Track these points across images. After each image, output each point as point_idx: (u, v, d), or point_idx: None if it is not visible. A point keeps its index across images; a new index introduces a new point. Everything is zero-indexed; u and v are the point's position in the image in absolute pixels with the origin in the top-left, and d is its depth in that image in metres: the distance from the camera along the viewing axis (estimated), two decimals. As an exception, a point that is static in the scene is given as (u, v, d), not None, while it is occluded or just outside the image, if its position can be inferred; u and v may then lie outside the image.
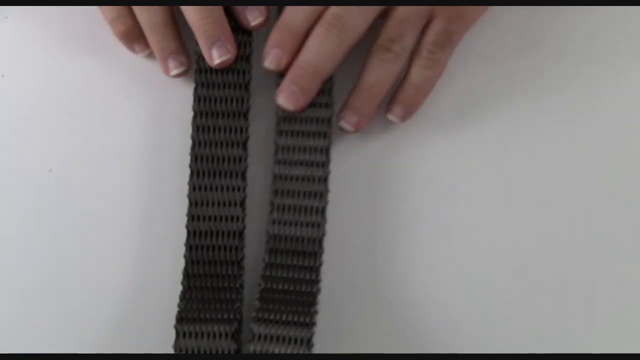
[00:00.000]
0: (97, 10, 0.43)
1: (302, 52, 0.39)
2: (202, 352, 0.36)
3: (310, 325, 0.36)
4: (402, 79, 0.41)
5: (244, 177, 0.39)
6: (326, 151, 0.39)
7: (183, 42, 0.42)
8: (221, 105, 0.40)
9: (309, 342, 0.36)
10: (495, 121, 0.43)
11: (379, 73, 0.40)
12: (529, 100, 0.43)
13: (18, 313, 0.40)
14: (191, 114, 0.40)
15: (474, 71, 0.44)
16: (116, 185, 0.42)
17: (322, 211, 0.39)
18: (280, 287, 0.38)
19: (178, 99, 0.43)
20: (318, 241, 0.39)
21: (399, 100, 0.41)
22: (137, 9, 0.41)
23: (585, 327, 0.40)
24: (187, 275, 0.38)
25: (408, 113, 0.41)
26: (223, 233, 0.39)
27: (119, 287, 0.40)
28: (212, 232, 0.39)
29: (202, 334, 0.36)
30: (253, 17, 0.40)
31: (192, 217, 0.39)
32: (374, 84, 0.40)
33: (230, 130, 0.40)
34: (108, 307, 0.40)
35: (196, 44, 0.40)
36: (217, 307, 0.37)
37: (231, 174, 0.39)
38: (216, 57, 0.40)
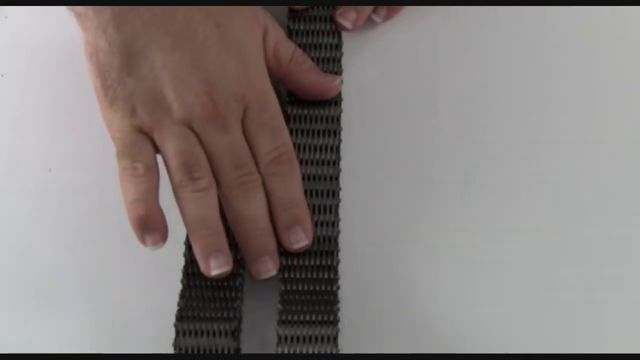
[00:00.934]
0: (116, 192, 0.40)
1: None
2: (201, 350, 0.36)
3: (334, 322, 0.36)
4: None
5: None
6: (337, 149, 0.40)
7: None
8: None
9: (335, 340, 0.36)
10: (497, 121, 0.43)
11: None
12: (529, 99, 0.43)
13: (18, 313, 0.40)
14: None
15: (475, 71, 0.44)
16: (116, 184, 0.41)
17: (335, 209, 0.39)
18: (300, 288, 0.38)
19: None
20: (334, 239, 0.39)
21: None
22: (187, 199, 0.37)
23: (585, 327, 0.40)
24: (187, 273, 0.38)
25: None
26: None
27: (119, 286, 0.40)
28: None
29: (202, 332, 0.36)
30: (296, 239, 0.38)
31: None
32: None
33: None
34: (108, 306, 0.40)
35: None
36: (216, 306, 0.37)
37: None
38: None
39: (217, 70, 0.37)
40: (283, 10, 0.43)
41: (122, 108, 0.37)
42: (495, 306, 0.40)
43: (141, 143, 0.37)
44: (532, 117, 0.43)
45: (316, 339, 0.36)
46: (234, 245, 0.38)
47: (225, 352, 0.36)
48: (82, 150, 0.43)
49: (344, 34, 0.42)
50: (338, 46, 0.42)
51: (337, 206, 0.39)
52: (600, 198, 0.42)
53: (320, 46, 0.41)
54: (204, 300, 0.38)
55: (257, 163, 0.37)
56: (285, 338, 0.36)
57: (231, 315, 0.37)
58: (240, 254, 0.39)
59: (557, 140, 0.43)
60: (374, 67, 0.44)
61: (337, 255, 0.39)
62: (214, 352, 0.36)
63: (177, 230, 0.39)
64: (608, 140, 0.43)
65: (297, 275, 0.38)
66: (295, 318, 0.37)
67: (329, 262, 0.38)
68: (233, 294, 0.38)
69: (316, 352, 0.36)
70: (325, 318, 0.37)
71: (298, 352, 0.36)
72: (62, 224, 0.41)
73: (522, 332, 0.40)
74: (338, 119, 0.40)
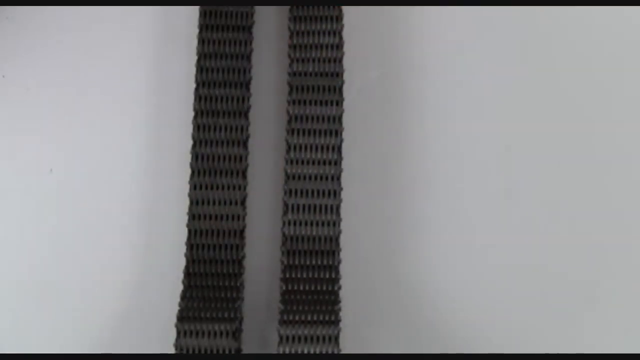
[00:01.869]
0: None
1: None
2: (202, 350, 0.36)
3: (336, 322, 0.36)
4: None
5: (244, 176, 0.39)
6: (338, 149, 0.40)
7: None
8: (222, 104, 0.40)
9: (336, 340, 0.36)
10: (500, 120, 0.43)
11: None
12: (532, 99, 0.43)
13: (18, 313, 0.40)
14: (192, 113, 0.40)
15: (475, 71, 0.44)
16: (116, 184, 0.42)
17: (337, 209, 0.39)
18: (301, 288, 0.38)
19: (178, 98, 0.43)
20: (335, 239, 0.39)
21: None
22: None
23: (585, 327, 0.40)
24: (188, 274, 0.38)
25: None
26: (224, 232, 0.39)
27: (120, 287, 0.40)
28: (212, 231, 0.39)
29: (203, 333, 0.36)
30: None
31: (192, 216, 0.39)
32: None
33: (231, 129, 0.40)
34: (108, 306, 0.40)
35: (198, 42, 0.40)
36: (217, 306, 0.37)
37: (232, 172, 0.39)
38: None
39: None
40: (283, 10, 0.43)
41: None
42: (496, 306, 0.41)
43: None
44: (534, 117, 0.43)
45: (317, 338, 0.36)
46: (235, 245, 0.39)
47: (227, 352, 0.36)
48: (82, 151, 0.42)
49: (345, 34, 0.42)
50: (339, 46, 0.42)
51: (338, 206, 0.39)
52: (600, 198, 0.42)
53: (321, 46, 0.41)
54: (204, 300, 0.38)
55: None
56: (287, 338, 0.36)
57: (232, 315, 0.37)
58: (241, 254, 0.39)
59: (558, 141, 0.43)
60: (376, 67, 0.44)
61: (338, 254, 0.39)
62: (215, 352, 0.36)
63: (177, 231, 0.39)
64: (608, 140, 0.43)
65: (298, 275, 0.38)
66: (297, 318, 0.37)
67: (330, 262, 0.39)
68: (234, 294, 0.38)
69: (317, 352, 0.36)
70: (327, 318, 0.37)
71: (299, 352, 0.36)
72: (63, 225, 0.41)
73: (522, 332, 0.40)
74: (339, 119, 0.40)
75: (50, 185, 0.42)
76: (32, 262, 0.41)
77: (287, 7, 0.42)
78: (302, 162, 0.39)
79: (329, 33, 0.42)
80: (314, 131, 0.40)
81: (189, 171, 0.39)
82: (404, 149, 0.43)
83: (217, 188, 0.39)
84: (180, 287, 0.38)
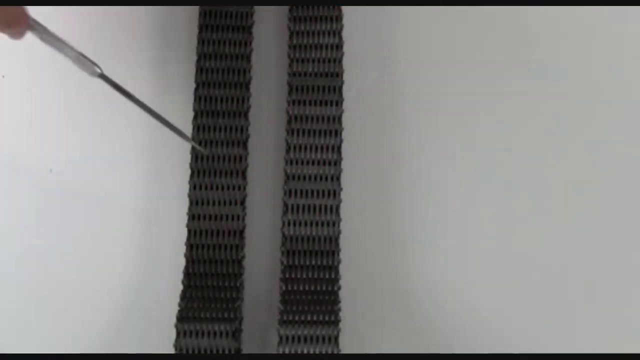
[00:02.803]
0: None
1: None
2: (202, 350, 0.36)
3: (336, 322, 0.37)
4: None
5: (244, 176, 0.40)
6: (338, 149, 0.40)
7: None
8: (221, 104, 0.40)
9: (336, 340, 0.36)
10: (499, 120, 0.43)
11: None
12: (531, 100, 0.43)
13: (18, 313, 0.40)
14: (191, 113, 0.40)
15: (475, 71, 0.44)
16: (116, 184, 0.42)
17: (336, 209, 0.39)
18: (301, 288, 0.38)
19: (178, 98, 0.43)
20: (335, 240, 0.39)
21: None
22: None
23: (585, 327, 0.40)
24: (188, 274, 0.38)
25: None
26: (223, 232, 0.39)
27: (120, 287, 0.40)
28: (212, 231, 0.39)
29: (203, 333, 0.36)
30: None
31: (192, 216, 0.39)
32: None
33: (231, 129, 0.40)
34: (108, 306, 0.40)
35: (198, 42, 0.41)
36: (217, 306, 0.37)
37: (231, 173, 0.39)
38: None
39: None
40: (283, 10, 0.43)
41: None
42: (496, 306, 0.41)
43: None
44: (534, 117, 0.43)
45: (317, 339, 0.36)
46: (234, 245, 0.39)
47: (226, 352, 0.36)
48: (82, 151, 0.42)
49: (345, 34, 0.42)
50: (339, 46, 0.42)
51: (338, 206, 0.39)
52: (600, 198, 0.42)
53: (321, 46, 0.41)
54: (204, 300, 0.38)
55: None
56: (287, 338, 0.36)
57: (232, 315, 0.37)
58: (240, 254, 0.39)
59: (559, 141, 0.43)
60: (375, 67, 0.44)
61: (338, 255, 0.39)
62: (214, 352, 0.36)
63: (177, 231, 0.39)
64: (608, 140, 0.43)
65: (298, 275, 0.38)
66: (297, 318, 0.37)
67: (330, 262, 0.39)
68: (234, 295, 0.38)
69: (317, 352, 0.36)
70: (327, 318, 0.37)
71: (299, 352, 0.36)
72: (63, 225, 0.41)
73: (522, 332, 0.40)
74: (339, 119, 0.40)
75: (50, 185, 0.42)
76: (32, 262, 0.41)
77: (287, 8, 0.42)
78: (302, 163, 0.39)
79: (329, 33, 0.42)
80: (314, 131, 0.40)
81: (188, 171, 0.39)
82: (404, 149, 0.43)
83: (217, 188, 0.39)
84: (180, 287, 0.38)
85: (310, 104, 0.40)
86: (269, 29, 0.41)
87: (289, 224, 0.39)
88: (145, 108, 0.38)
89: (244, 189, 0.39)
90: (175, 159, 0.41)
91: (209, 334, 0.36)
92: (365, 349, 0.39)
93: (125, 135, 0.43)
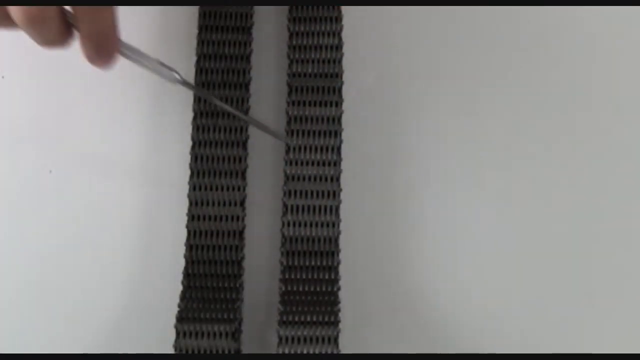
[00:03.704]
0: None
1: None
2: (202, 351, 0.36)
3: (335, 323, 0.37)
4: None
5: (244, 177, 0.40)
6: (337, 150, 0.40)
7: None
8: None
9: (336, 340, 0.36)
10: (499, 121, 0.43)
11: None
12: (531, 100, 0.43)
13: (18, 313, 0.40)
14: (191, 114, 0.40)
15: (475, 71, 0.44)
16: (116, 185, 0.42)
17: (336, 210, 0.39)
18: (300, 288, 0.38)
19: (178, 99, 0.43)
20: (334, 240, 0.39)
21: None
22: None
23: (586, 327, 0.40)
24: (188, 274, 0.38)
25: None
26: (223, 233, 0.39)
27: (119, 287, 0.40)
28: (212, 232, 0.39)
29: (202, 334, 0.36)
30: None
31: (192, 217, 0.39)
32: None
33: (230, 130, 0.40)
34: (108, 307, 0.40)
35: (198, 43, 0.40)
36: (217, 307, 0.37)
37: (231, 173, 0.39)
38: None
39: None
40: (283, 11, 0.43)
41: None
42: (496, 306, 0.41)
43: None
44: (534, 118, 0.43)
45: (317, 339, 0.36)
46: (234, 246, 0.39)
47: (226, 353, 0.36)
48: (82, 151, 0.42)
49: (344, 35, 0.42)
50: (338, 47, 0.42)
51: (337, 207, 0.39)
52: (600, 198, 0.42)
53: (321, 47, 0.41)
54: (204, 301, 0.38)
55: None
56: (286, 339, 0.36)
57: (232, 316, 0.37)
58: (240, 255, 0.39)
59: (559, 141, 0.43)
60: (375, 68, 0.44)
61: (337, 255, 0.39)
62: (214, 353, 0.36)
63: (177, 232, 0.39)
64: (608, 140, 0.43)
65: (298, 276, 0.39)
66: (296, 319, 0.37)
67: (330, 263, 0.39)
68: (233, 295, 0.38)
69: (317, 352, 0.36)
70: (326, 319, 0.37)
71: (299, 352, 0.36)
72: (62, 225, 0.41)
73: (523, 332, 0.40)
74: (339, 120, 0.40)
75: (50, 185, 0.42)
76: (31, 262, 0.41)
77: (287, 8, 0.42)
78: (302, 163, 0.39)
79: (329, 34, 0.42)
80: (314, 132, 0.40)
81: (188, 172, 0.39)
82: (403, 150, 0.43)
83: (217, 189, 0.39)
84: (180, 288, 0.38)
85: (309, 105, 0.40)
86: (269, 30, 0.41)
87: (288, 225, 0.39)
88: (233, 111, 0.39)
89: (244, 189, 0.39)
90: (174, 160, 0.41)
91: (208, 334, 0.36)
92: (364, 349, 0.40)
93: (125, 136, 0.43)
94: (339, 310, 0.37)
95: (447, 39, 0.44)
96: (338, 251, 0.39)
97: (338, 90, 0.40)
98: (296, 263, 0.39)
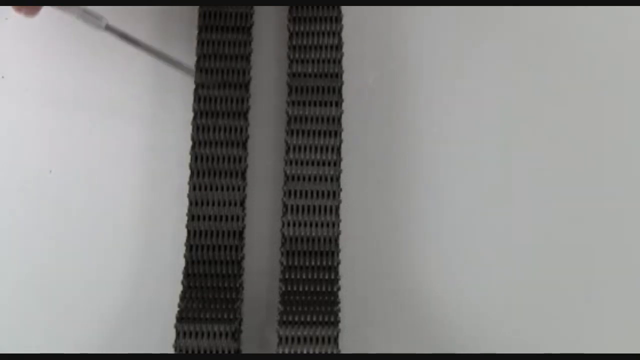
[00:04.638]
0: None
1: None
2: (202, 351, 0.36)
3: (335, 323, 0.37)
4: None
5: (244, 177, 0.40)
6: (337, 150, 0.40)
7: None
8: (221, 105, 0.40)
9: (336, 340, 0.36)
10: (499, 121, 0.43)
11: None
12: (531, 99, 0.43)
13: (18, 313, 0.40)
14: (191, 114, 0.40)
15: (475, 71, 0.44)
16: (116, 185, 0.42)
17: (336, 210, 0.39)
18: (300, 289, 0.38)
19: (178, 99, 0.43)
20: (334, 240, 0.39)
21: None
22: None
23: (586, 327, 0.40)
24: (188, 274, 0.38)
25: None
26: (223, 232, 0.39)
27: (119, 287, 0.40)
28: (212, 232, 0.39)
29: (202, 334, 0.36)
30: None
31: (192, 217, 0.39)
32: None
33: (230, 130, 0.40)
34: (108, 306, 0.40)
35: (198, 43, 0.41)
36: (217, 307, 0.37)
37: (231, 173, 0.39)
38: None
39: None
40: (283, 11, 0.43)
41: None
42: (497, 306, 0.41)
43: None
44: (535, 117, 0.43)
45: (317, 339, 0.36)
46: (234, 246, 0.39)
47: (226, 353, 0.36)
48: (82, 151, 0.42)
49: (344, 35, 0.42)
50: (338, 47, 0.42)
51: (337, 207, 0.39)
52: (600, 198, 0.42)
53: (321, 47, 0.41)
54: (204, 301, 0.38)
55: None
56: (286, 339, 0.36)
57: (232, 316, 0.37)
58: (240, 255, 0.39)
59: (560, 141, 0.43)
60: (375, 68, 0.44)
61: (337, 255, 0.39)
62: (214, 353, 0.36)
63: (177, 231, 0.39)
64: (608, 140, 0.43)
65: (298, 276, 0.39)
66: (296, 319, 0.37)
67: (330, 263, 0.39)
68: (233, 295, 0.38)
69: (317, 352, 0.36)
70: (326, 319, 0.37)
71: (299, 352, 0.36)
72: (62, 225, 0.41)
73: (523, 332, 0.40)
74: (339, 120, 0.40)
75: (50, 185, 0.42)
76: (31, 262, 0.41)
77: (287, 8, 0.42)
78: (302, 163, 0.39)
79: (329, 34, 0.42)
80: (314, 132, 0.40)
81: (188, 172, 0.39)
82: (403, 150, 0.43)
83: (217, 189, 0.39)
84: (180, 288, 0.38)
85: (309, 105, 0.40)
86: (269, 30, 0.41)
87: (288, 225, 0.39)
88: (153, 52, 0.39)
89: (244, 189, 0.39)
90: (174, 160, 0.41)
91: (208, 334, 0.36)
92: (364, 349, 0.40)
93: (125, 136, 0.43)
94: (339, 310, 0.37)
95: (447, 39, 0.44)
96: (338, 251, 0.39)
97: (338, 90, 0.40)
98: (296, 263, 0.39)
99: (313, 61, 0.41)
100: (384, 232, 0.41)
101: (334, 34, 0.42)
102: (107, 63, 0.44)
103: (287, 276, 0.38)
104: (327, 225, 0.39)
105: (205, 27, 0.41)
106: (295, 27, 0.42)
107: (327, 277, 0.39)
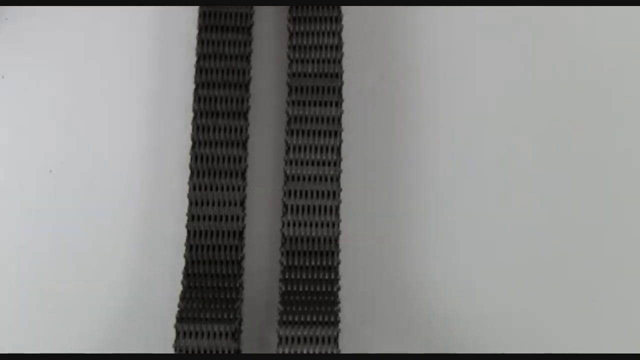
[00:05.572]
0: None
1: None
2: (202, 351, 0.36)
3: (335, 323, 0.37)
4: None
5: (244, 177, 0.40)
6: (337, 150, 0.40)
7: None
8: (221, 105, 0.40)
9: (336, 340, 0.36)
10: (500, 121, 0.43)
11: None
12: (532, 100, 0.43)
13: (17, 313, 0.40)
14: (191, 114, 0.40)
15: (475, 72, 0.44)
16: (116, 185, 0.42)
17: (336, 210, 0.39)
18: (300, 288, 0.38)
19: (178, 99, 0.43)
20: (334, 240, 0.39)
21: None
22: None
23: (586, 327, 0.40)
24: (187, 274, 0.38)
25: None
26: (223, 233, 0.39)
27: (119, 287, 0.40)
28: (212, 232, 0.39)
29: (203, 334, 0.36)
30: None
31: (192, 217, 0.39)
32: None
33: (230, 130, 0.40)
34: (108, 307, 0.40)
35: (198, 43, 0.41)
36: (217, 307, 0.37)
37: (231, 173, 0.39)
38: None
39: None
40: (282, 11, 0.43)
41: None
42: (497, 306, 0.41)
43: None
44: (534, 118, 0.43)
45: (317, 339, 0.36)
46: (234, 246, 0.39)
47: (226, 353, 0.36)
48: (82, 151, 0.42)
49: (344, 35, 0.42)
50: (338, 47, 0.42)
51: (337, 207, 0.39)
52: (600, 198, 0.42)
53: (321, 47, 0.41)
54: (204, 301, 0.38)
55: None
56: (286, 339, 0.36)
57: (232, 316, 0.37)
58: (240, 255, 0.39)
59: (561, 141, 0.43)
60: (375, 68, 0.44)
61: (337, 255, 0.39)
62: (214, 353, 0.36)
63: (177, 231, 0.39)
64: (608, 141, 0.43)
65: (298, 276, 0.39)
66: (296, 319, 0.37)
67: (330, 263, 0.39)
68: (233, 295, 0.38)
69: (317, 352, 0.36)
70: (326, 319, 0.37)
71: (299, 352, 0.36)
72: (62, 225, 0.41)
73: (523, 332, 0.40)
74: (339, 120, 0.40)
75: (50, 185, 0.42)
76: (31, 262, 0.41)
77: (287, 8, 0.42)
78: (302, 163, 0.39)
79: (329, 34, 0.42)
80: (314, 132, 0.40)
81: (188, 172, 0.39)
82: (404, 150, 0.43)
83: (217, 189, 0.39)
84: (180, 288, 0.38)
85: (310, 105, 0.40)
86: (269, 30, 0.41)
87: (288, 225, 0.39)
88: None
89: (244, 189, 0.39)
90: (174, 159, 0.41)
91: (208, 334, 0.36)
92: (364, 349, 0.40)
93: (125, 136, 0.43)
94: (339, 310, 0.37)
95: (448, 39, 0.44)
96: (338, 251, 0.39)
97: (338, 90, 0.40)
98: (296, 263, 0.39)
99: (313, 61, 0.41)
100: (384, 232, 0.41)
101: (334, 34, 0.42)
102: (107, 63, 0.44)
103: (287, 276, 0.38)
104: (327, 225, 0.39)
105: (205, 27, 0.41)
106: (295, 27, 0.42)
107: (327, 277, 0.39)
